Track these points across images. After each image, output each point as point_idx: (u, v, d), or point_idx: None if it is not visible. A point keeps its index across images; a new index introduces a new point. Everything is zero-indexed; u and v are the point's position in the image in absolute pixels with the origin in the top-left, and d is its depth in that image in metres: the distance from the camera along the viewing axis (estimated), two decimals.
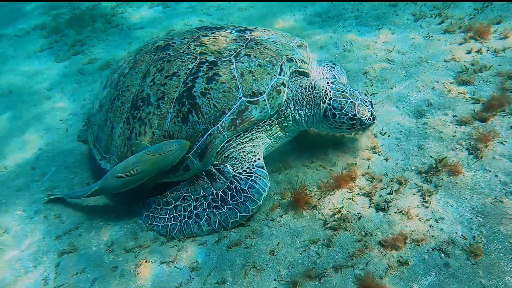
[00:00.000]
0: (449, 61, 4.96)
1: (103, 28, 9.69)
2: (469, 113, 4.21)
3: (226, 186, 3.81)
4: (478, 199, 3.44)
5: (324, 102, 3.99)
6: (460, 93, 4.50)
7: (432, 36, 5.47)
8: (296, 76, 4.26)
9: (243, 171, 3.85)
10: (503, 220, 3.23)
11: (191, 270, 3.50)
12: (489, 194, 3.46)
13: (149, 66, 4.39)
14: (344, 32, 6.30)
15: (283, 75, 4.03)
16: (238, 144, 3.98)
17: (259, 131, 4.03)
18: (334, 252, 3.35)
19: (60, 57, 8.42)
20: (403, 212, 3.50)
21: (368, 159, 4.12)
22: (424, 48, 5.32)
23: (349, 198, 3.77)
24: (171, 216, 3.93)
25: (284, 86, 4.01)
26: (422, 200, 3.58)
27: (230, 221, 3.69)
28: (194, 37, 4.48)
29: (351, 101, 3.91)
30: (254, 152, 3.99)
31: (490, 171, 3.64)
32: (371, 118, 3.91)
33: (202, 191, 3.91)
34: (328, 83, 4.11)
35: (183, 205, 3.93)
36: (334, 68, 5.08)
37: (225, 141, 3.90)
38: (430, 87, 4.70)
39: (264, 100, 3.86)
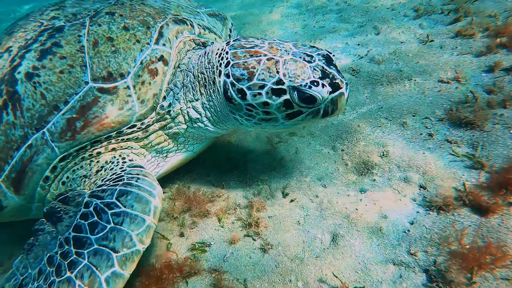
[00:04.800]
0: (447, 82, 2.28)
1: None
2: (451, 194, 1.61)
3: (78, 216, 1.59)
4: None
5: (220, 73, 1.70)
6: (450, 141, 1.87)
7: (433, 40, 2.74)
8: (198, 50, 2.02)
9: (106, 181, 1.72)
10: None
11: None
12: None
13: None
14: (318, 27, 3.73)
15: (164, 45, 1.89)
16: (84, 159, 1.87)
17: (123, 141, 1.88)
18: None
19: None
20: None
21: (232, 243, 1.74)
22: (414, 57, 2.64)
23: None
24: None
25: (165, 64, 1.87)
26: None
27: (102, 278, 1.40)
28: (60, 2, 2.45)
29: (268, 58, 1.57)
30: (121, 156, 1.89)
31: None
32: (323, 83, 1.49)
33: (45, 252, 1.62)
34: (228, 42, 1.80)
35: None
36: None
37: (57, 160, 1.80)
38: (399, 123, 2.10)
39: (127, 88, 1.80)
